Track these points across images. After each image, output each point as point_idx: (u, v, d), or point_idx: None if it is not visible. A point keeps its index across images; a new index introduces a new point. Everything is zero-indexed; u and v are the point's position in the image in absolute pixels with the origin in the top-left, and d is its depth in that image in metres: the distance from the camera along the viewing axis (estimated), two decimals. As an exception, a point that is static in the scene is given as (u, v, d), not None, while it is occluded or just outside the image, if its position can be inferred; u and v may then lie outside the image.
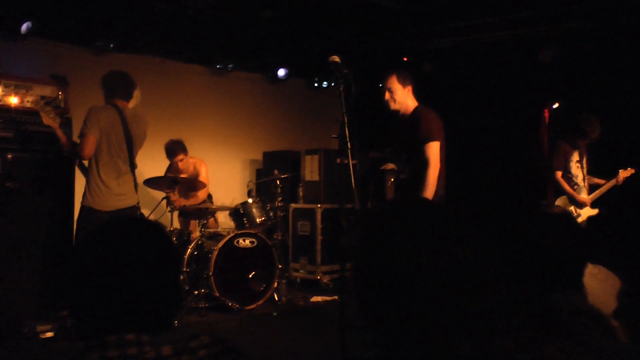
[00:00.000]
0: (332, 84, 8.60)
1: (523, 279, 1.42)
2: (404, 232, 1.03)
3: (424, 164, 4.08)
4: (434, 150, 4.09)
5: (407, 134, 4.23)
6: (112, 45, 6.48)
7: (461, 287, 0.98)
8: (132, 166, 4.80)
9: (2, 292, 4.67)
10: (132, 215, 4.59)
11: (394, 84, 4.23)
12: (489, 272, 1.01)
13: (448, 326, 0.97)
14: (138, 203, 4.84)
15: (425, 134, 4.10)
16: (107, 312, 1.23)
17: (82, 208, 4.67)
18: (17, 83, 5.24)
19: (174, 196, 5.79)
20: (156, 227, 1.36)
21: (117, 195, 4.65)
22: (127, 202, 4.73)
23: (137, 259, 1.26)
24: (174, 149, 6.13)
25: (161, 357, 1.20)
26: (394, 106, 4.28)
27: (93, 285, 1.23)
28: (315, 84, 8.56)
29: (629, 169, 5.82)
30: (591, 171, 5.93)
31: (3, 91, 5.36)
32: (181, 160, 6.14)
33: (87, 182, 4.68)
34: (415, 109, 4.27)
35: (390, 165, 7.44)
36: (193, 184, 5.98)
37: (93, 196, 4.60)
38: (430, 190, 4.06)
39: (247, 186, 6.55)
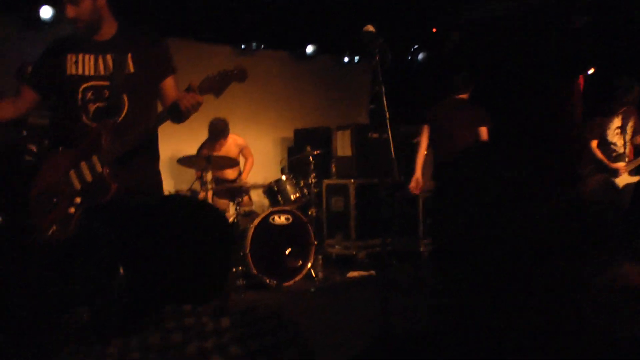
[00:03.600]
0: (363, 57, 8.50)
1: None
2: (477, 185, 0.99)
3: None
4: None
5: None
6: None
7: (538, 248, 0.93)
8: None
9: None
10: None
11: None
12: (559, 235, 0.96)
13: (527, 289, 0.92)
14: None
15: None
16: (160, 282, 1.23)
17: None
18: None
19: (208, 176, 5.81)
20: (209, 205, 1.37)
21: None
22: None
23: (190, 232, 1.26)
24: (223, 129, 6.34)
25: (220, 329, 1.20)
26: None
27: (147, 256, 1.23)
28: (347, 59, 8.49)
29: None
30: None
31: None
32: (223, 145, 6.30)
33: None
34: None
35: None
36: (227, 162, 6.00)
37: None
38: None
39: (280, 163, 6.56)
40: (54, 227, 2.68)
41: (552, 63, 7.40)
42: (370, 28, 2.88)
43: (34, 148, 5.17)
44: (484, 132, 5.47)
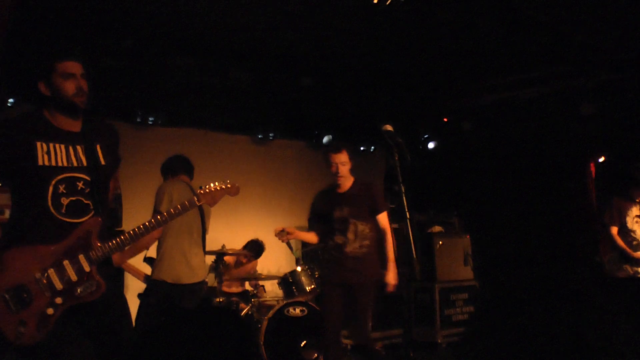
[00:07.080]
0: (379, 147, 8.59)
1: None
2: None
3: (381, 233, 4.61)
4: (387, 219, 4.64)
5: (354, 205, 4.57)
6: (151, 119, 6.60)
7: None
8: (204, 239, 4.78)
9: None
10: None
11: (347, 157, 4.59)
12: None
13: None
14: (205, 278, 4.81)
15: (382, 203, 4.64)
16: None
17: (153, 282, 4.61)
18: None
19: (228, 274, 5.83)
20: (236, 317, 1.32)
21: (191, 269, 4.61)
22: (198, 276, 4.70)
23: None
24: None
25: None
26: (342, 180, 4.67)
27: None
28: (362, 148, 8.57)
29: None
30: None
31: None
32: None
33: (160, 254, 4.60)
34: (358, 181, 4.75)
35: (438, 228, 7.36)
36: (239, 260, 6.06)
37: (168, 268, 4.55)
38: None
39: (295, 254, 6.53)
40: (21, 329, 2.44)
41: (561, 149, 7.46)
42: (389, 127, 2.96)
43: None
44: None
